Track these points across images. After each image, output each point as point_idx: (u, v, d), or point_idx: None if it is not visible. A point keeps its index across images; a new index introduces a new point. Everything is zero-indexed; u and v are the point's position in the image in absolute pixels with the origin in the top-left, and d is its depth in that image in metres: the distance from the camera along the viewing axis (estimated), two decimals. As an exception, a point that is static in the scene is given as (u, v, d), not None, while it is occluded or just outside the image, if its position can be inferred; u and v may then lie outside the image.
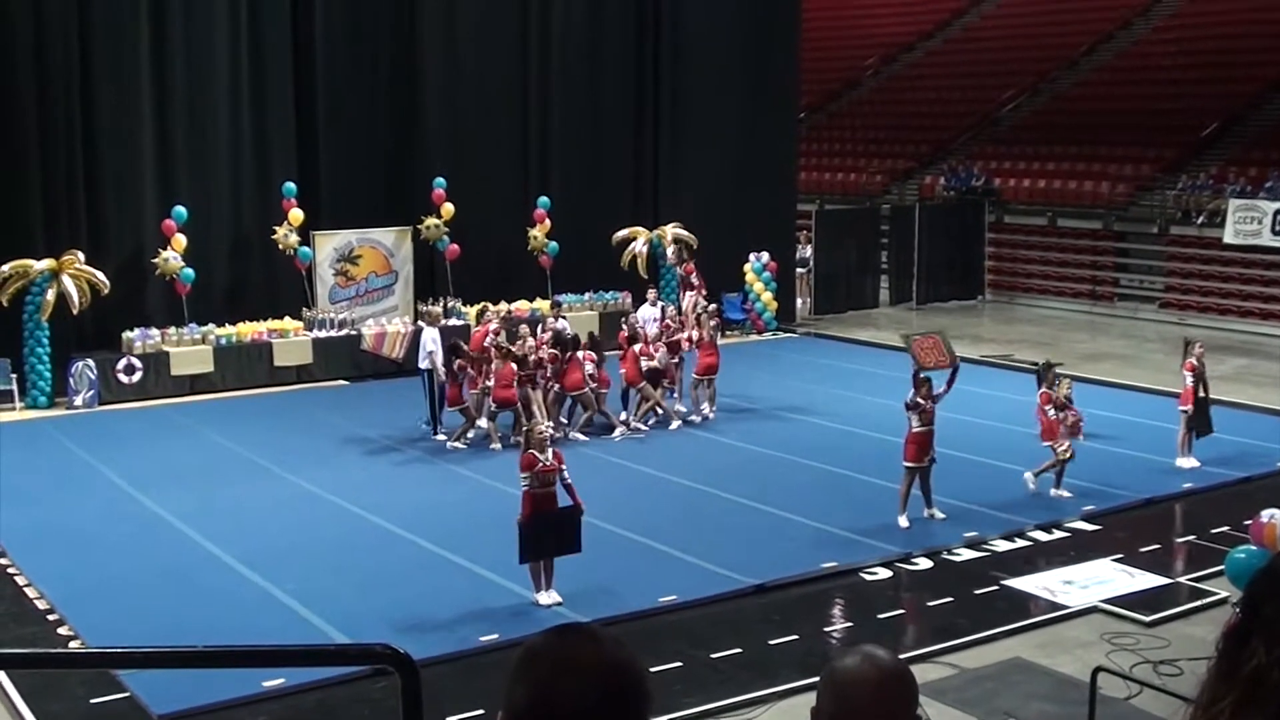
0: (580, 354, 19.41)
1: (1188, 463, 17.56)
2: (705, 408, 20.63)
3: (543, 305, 24.58)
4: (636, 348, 20.02)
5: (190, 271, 22.58)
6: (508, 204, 26.14)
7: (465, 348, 19.24)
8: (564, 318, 22.05)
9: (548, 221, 25.89)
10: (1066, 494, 16.32)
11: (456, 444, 18.99)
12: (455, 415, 19.23)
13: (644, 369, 19.93)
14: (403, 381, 21.10)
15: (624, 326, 20.98)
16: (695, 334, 20.45)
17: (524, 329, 20.25)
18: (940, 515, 15.46)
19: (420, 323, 21.17)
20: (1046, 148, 35.55)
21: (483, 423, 19.29)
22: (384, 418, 20.45)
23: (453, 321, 23.63)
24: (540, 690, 2.20)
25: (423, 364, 19.72)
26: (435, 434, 19.50)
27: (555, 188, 26.86)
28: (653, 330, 21.28)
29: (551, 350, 19.51)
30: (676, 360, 20.64)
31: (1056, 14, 41.16)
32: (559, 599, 12.83)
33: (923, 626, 12.95)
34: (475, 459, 18.37)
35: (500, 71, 26.62)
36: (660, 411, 20.21)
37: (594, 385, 19.54)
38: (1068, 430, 16.39)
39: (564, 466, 13.04)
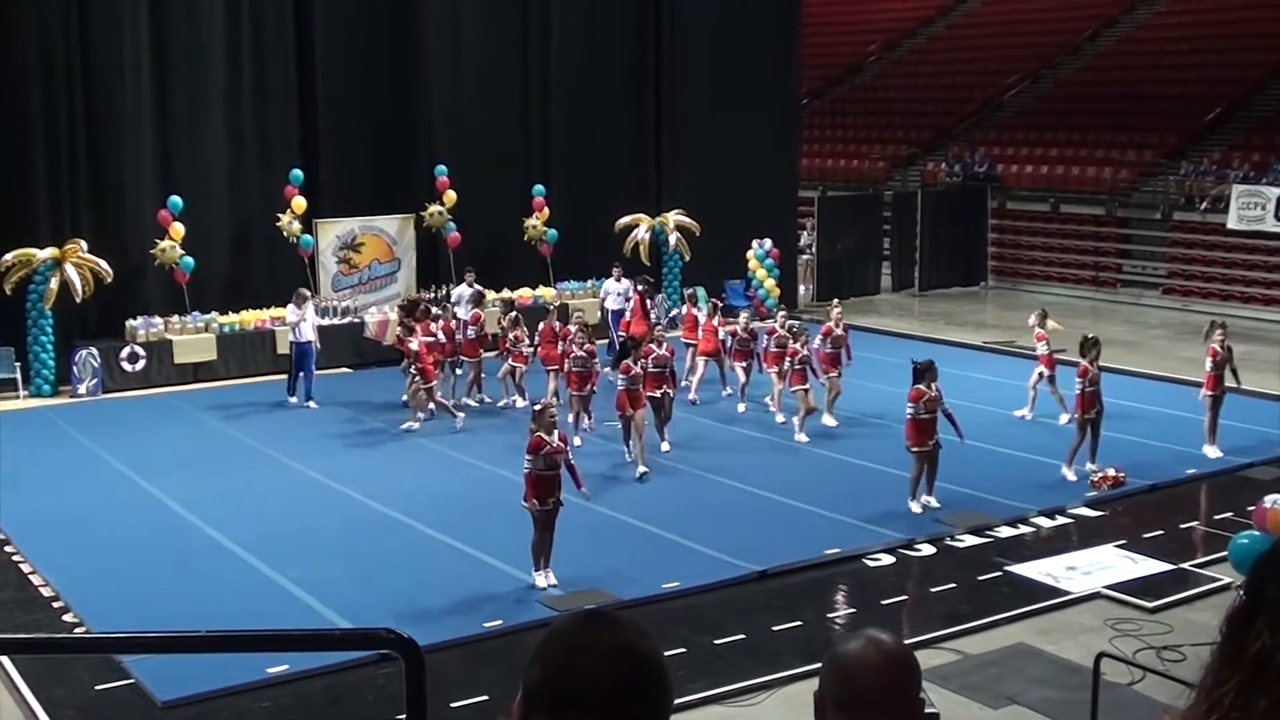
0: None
1: (1214, 452, 17.54)
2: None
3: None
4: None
5: (190, 260, 22.56)
6: (510, 191, 26.08)
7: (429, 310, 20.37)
8: (474, 285, 22.71)
9: (546, 210, 25.89)
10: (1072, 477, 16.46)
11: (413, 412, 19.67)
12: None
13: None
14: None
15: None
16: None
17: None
18: (935, 504, 15.42)
19: (294, 304, 21.53)
20: (1049, 133, 35.49)
21: (521, 401, 19.96)
22: (387, 405, 20.46)
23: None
24: (555, 671, 2.19)
25: (291, 336, 21.13)
26: (291, 398, 20.80)
27: (557, 175, 26.85)
28: (617, 305, 23.36)
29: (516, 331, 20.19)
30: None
31: (1059, -1, 41.09)
32: (554, 581, 12.87)
33: (926, 612, 12.95)
34: (477, 444, 18.35)
35: (501, 57, 26.57)
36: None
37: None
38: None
39: (569, 449, 13.15)
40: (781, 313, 20.94)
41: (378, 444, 18.77)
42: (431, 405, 19.30)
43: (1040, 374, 19.32)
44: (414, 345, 19.13)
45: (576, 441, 17.21)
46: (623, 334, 21.41)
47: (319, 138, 24.57)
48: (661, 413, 18.08)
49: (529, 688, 2.22)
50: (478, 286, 22.71)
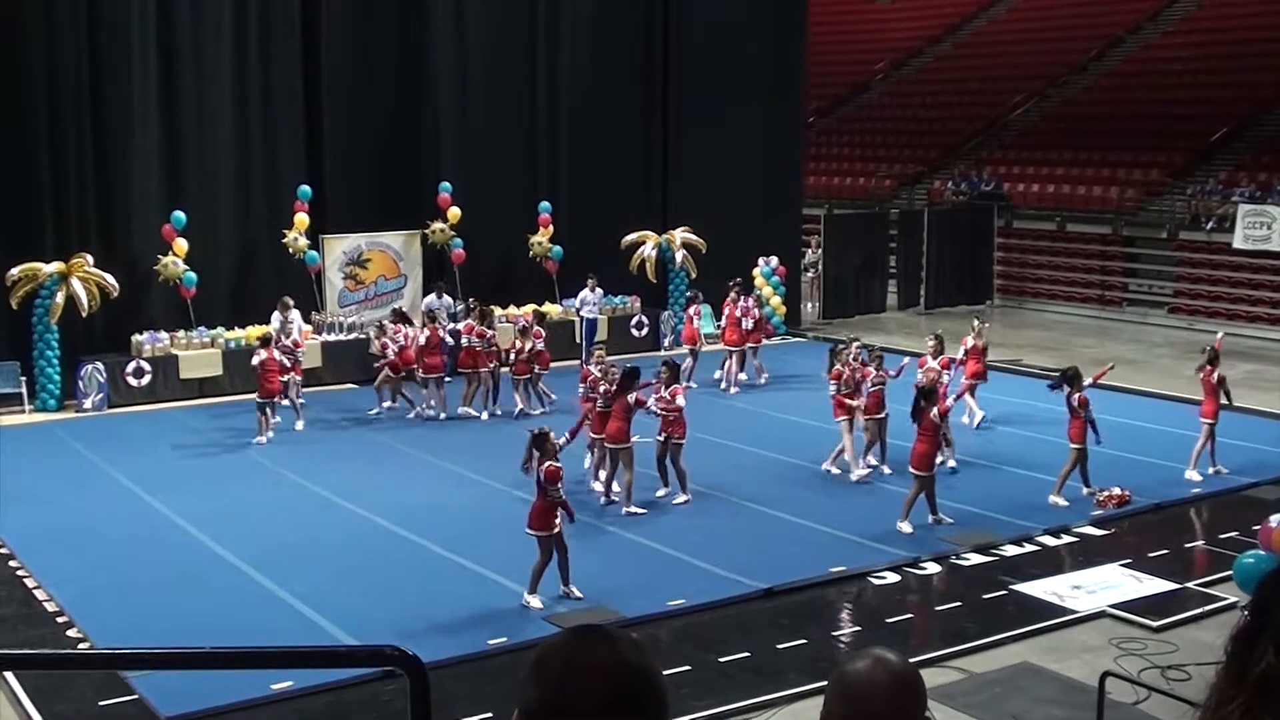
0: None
1: (1194, 475, 17.45)
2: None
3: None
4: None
5: (193, 275, 22.58)
6: (516, 208, 26.10)
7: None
8: (444, 296, 23.39)
9: (550, 226, 25.93)
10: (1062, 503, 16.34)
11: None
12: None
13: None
14: (411, 385, 21.13)
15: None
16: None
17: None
18: (948, 520, 15.43)
19: (277, 311, 22.01)
20: (1055, 152, 35.51)
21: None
22: (392, 421, 20.46)
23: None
24: (550, 689, 2.20)
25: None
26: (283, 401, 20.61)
27: (563, 192, 26.89)
28: (592, 315, 24.25)
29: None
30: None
31: (1065, 18, 41.11)
32: (541, 604, 12.86)
33: (931, 631, 12.94)
34: (483, 459, 18.33)
35: (508, 75, 26.60)
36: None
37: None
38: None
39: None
40: (857, 343, 18.40)
41: (383, 459, 18.76)
42: (265, 415, 19.45)
43: (967, 384, 19.81)
44: (254, 361, 19.45)
45: (610, 488, 16.20)
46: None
47: (325, 153, 24.58)
48: (662, 458, 16.45)
49: (524, 706, 2.23)
50: (449, 298, 23.33)
